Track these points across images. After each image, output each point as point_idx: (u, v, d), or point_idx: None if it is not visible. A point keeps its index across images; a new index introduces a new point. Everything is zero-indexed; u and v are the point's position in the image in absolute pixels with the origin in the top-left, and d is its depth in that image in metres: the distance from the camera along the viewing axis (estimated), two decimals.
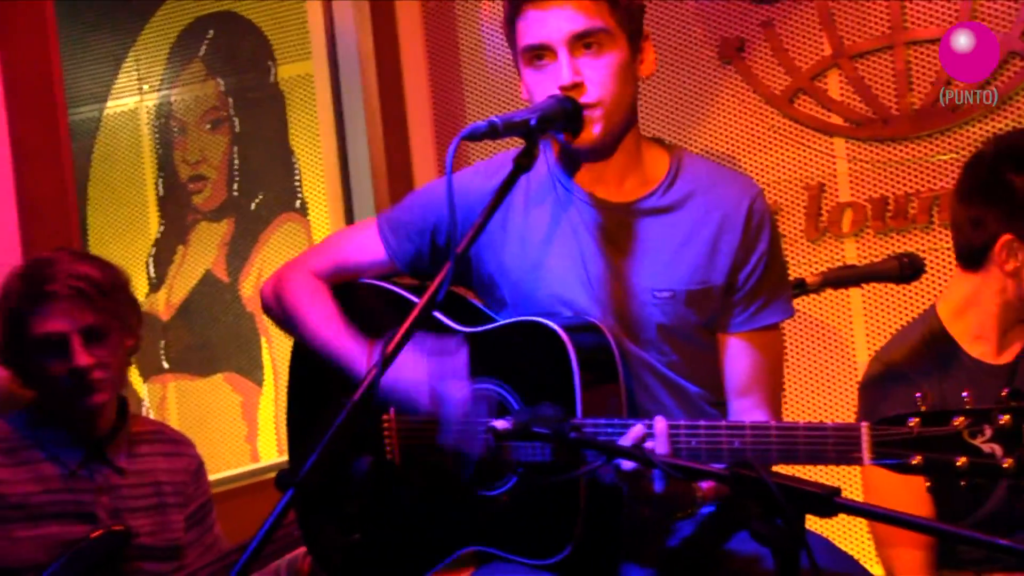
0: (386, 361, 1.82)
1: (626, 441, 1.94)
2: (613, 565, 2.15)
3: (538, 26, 2.13)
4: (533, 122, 2.04)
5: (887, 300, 3.38)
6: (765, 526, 1.69)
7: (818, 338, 3.48)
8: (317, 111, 3.94)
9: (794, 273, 2.84)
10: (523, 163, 2.05)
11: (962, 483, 1.72)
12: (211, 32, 4.21)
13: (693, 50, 3.60)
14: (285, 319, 2.40)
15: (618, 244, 2.21)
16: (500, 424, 1.89)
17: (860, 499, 2.87)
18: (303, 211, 4.11)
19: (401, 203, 2.42)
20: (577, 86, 2.12)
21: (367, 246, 2.37)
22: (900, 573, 2.63)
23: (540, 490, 2.06)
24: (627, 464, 1.89)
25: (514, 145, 2.13)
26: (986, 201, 2.60)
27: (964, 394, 1.71)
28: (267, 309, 2.44)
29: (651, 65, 2.23)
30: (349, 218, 3.89)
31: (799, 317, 3.47)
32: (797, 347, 3.49)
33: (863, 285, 3.27)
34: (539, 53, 2.15)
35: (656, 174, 2.23)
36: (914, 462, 1.73)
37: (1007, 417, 1.67)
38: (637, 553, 2.16)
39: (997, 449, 1.68)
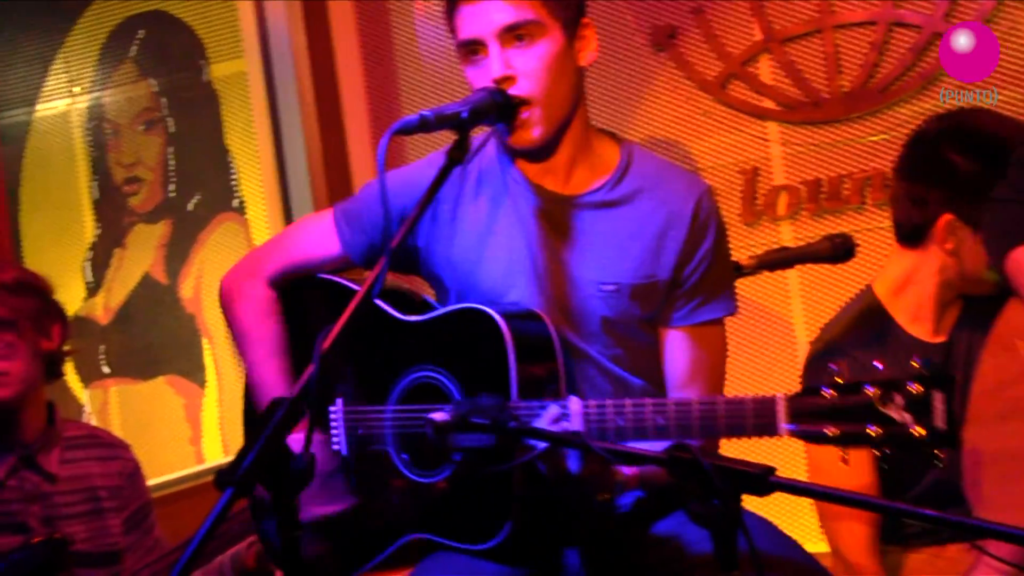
0: (323, 357, 1.82)
1: (542, 422, 1.96)
2: (551, 548, 2.16)
3: (470, 21, 2.14)
4: (464, 115, 2.05)
5: (824, 280, 3.42)
6: (702, 507, 1.72)
7: (758, 320, 3.52)
8: (252, 109, 3.92)
9: (731, 257, 2.86)
10: (456, 156, 2.06)
11: (876, 453, 1.74)
12: (141, 32, 4.16)
13: (625, 39, 3.62)
14: (231, 328, 2.43)
15: (564, 236, 2.22)
16: (438, 416, 1.90)
17: (805, 476, 2.92)
18: (241, 210, 4.09)
19: (356, 195, 2.42)
20: (508, 79, 2.12)
21: (321, 240, 2.37)
22: (844, 547, 2.67)
23: (477, 475, 2.07)
24: (540, 444, 1.91)
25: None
26: (928, 180, 2.63)
27: (877, 364, 1.74)
28: (221, 307, 2.46)
29: (593, 52, 2.23)
30: (287, 216, 3.87)
31: (739, 299, 3.49)
32: (737, 329, 3.51)
33: (799, 266, 3.32)
34: (474, 48, 2.15)
35: (605, 167, 2.24)
36: (829, 432, 1.75)
37: (917, 386, 1.70)
38: (574, 536, 2.18)
39: (908, 418, 1.70)
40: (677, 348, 2.24)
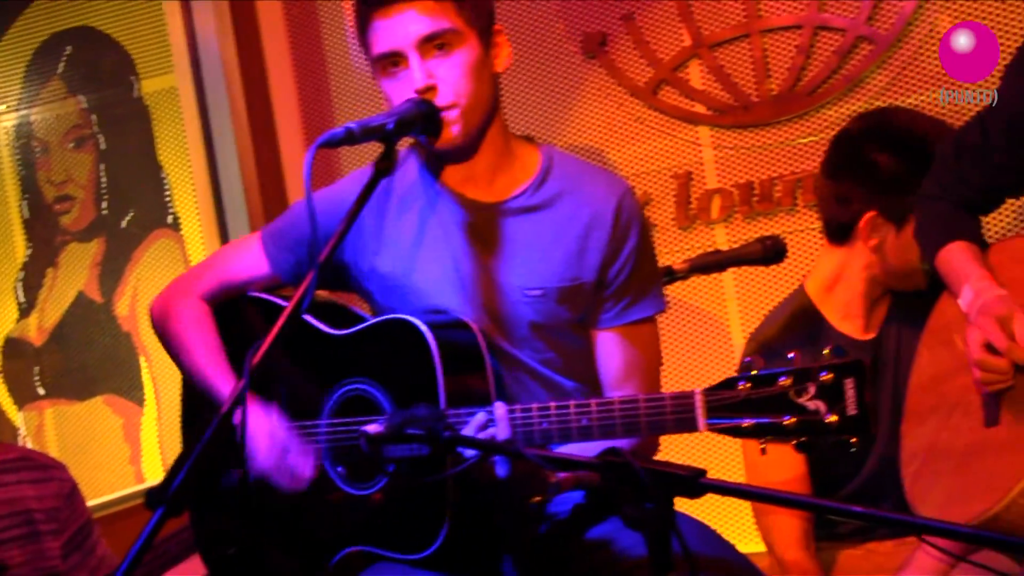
0: (252, 373, 1.82)
1: (469, 430, 1.97)
2: (488, 554, 2.17)
3: (386, 34, 2.14)
4: (390, 126, 2.06)
5: (759, 281, 3.46)
6: (635, 510, 1.73)
7: (694, 322, 3.55)
8: (184, 124, 3.89)
9: (666, 261, 2.89)
10: (383, 168, 2.07)
11: (793, 442, 1.76)
12: (68, 48, 4.11)
13: (556, 46, 3.64)
14: (168, 346, 2.40)
15: (489, 243, 2.23)
16: (372, 428, 1.89)
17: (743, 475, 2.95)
18: (176, 226, 4.05)
19: (283, 215, 2.43)
20: (431, 88, 2.13)
21: (251, 260, 2.38)
22: (778, 543, 2.71)
23: (410, 485, 2.08)
24: (468, 452, 1.92)
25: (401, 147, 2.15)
26: (851, 178, 2.68)
27: (790, 355, 1.76)
28: (154, 327, 2.44)
29: (507, 59, 2.25)
30: (223, 231, 3.85)
31: (674, 303, 3.53)
32: (674, 332, 3.56)
33: (734, 268, 3.35)
34: (392, 60, 2.16)
35: (526, 172, 2.26)
36: (746, 425, 1.78)
37: (829, 375, 1.72)
38: (511, 542, 2.18)
39: (821, 406, 1.73)
40: (609, 349, 2.26)
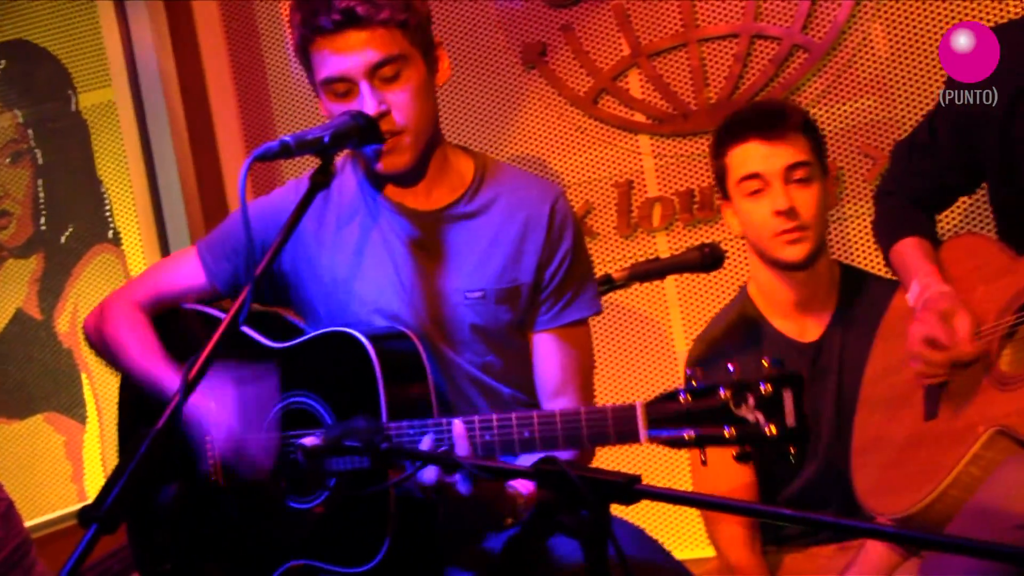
0: (188, 387, 1.81)
1: (424, 445, 1.98)
2: (433, 569, 2.17)
3: (335, 59, 2.15)
4: (327, 139, 2.07)
5: (701, 288, 3.48)
6: (571, 518, 1.74)
7: (637, 329, 3.57)
8: (123, 138, 3.86)
9: (609, 269, 2.92)
10: (319, 181, 2.08)
11: (734, 452, 1.79)
12: (3, 62, 4.06)
13: (496, 57, 3.65)
14: (106, 351, 2.38)
15: (429, 250, 2.26)
16: (309, 441, 1.90)
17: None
18: (116, 241, 4.01)
19: (219, 225, 2.43)
20: (383, 115, 2.16)
21: (187, 271, 2.38)
22: (725, 548, 2.74)
23: (352, 498, 2.08)
24: (427, 477, 1.93)
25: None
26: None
27: (730, 366, 1.79)
28: (89, 342, 2.43)
29: (447, 71, 2.28)
30: (164, 245, 3.81)
31: (618, 310, 3.56)
32: (617, 339, 3.58)
33: (676, 275, 3.38)
34: (340, 86, 2.16)
35: (462, 180, 2.29)
36: (687, 436, 1.80)
37: (768, 386, 1.75)
38: (458, 556, 2.19)
39: (760, 417, 1.75)
40: (547, 351, 2.29)
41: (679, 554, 2.34)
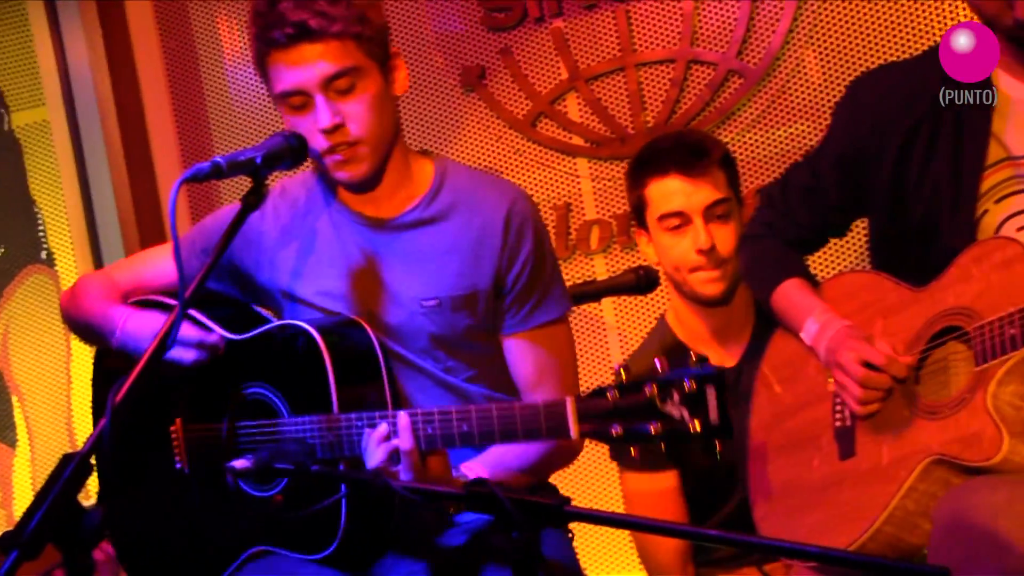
0: (115, 413, 1.80)
1: (371, 440, 2.01)
2: (384, 557, 2.20)
3: (289, 72, 2.16)
4: (259, 160, 2.08)
5: (637, 311, 3.51)
6: (502, 539, 1.75)
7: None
8: (57, 158, 3.82)
9: None
10: (251, 201, 2.09)
11: (662, 445, 1.82)
12: None
13: (436, 79, 3.67)
14: (83, 324, 2.41)
15: (386, 258, 2.27)
16: (239, 463, 1.92)
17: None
18: (50, 262, 3.96)
19: (201, 223, 2.45)
20: (338, 127, 2.16)
21: (165, 265, 2.39)
22: (657, 569, 2.75)
23: (308, 487, 2.12)
24: (373, 461, 1.99)
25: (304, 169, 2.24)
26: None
27: (657, 363, 1.81)
28: (64, 314, 2.46)
29: (405, 81, 2.28)
30: (98, 266, 3.78)
31: None
32: None
33: (614, 298, 3.40)
34: (296, 98, 2.17)
35: (421, 186, 2.29)
36: (615, 432, 1.83)
37: (692, 383, 1.78)
38: (410, 547, 2.21)
39: (685, 413, 1.78)
40: (518, 354, 2.29)
41: (611, 575, 2.36)
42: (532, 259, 2.26)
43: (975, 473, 2.07)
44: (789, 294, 2.42)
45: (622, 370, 1.84)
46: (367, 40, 2.17)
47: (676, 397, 1.78)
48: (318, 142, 2.17)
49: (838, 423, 2.31)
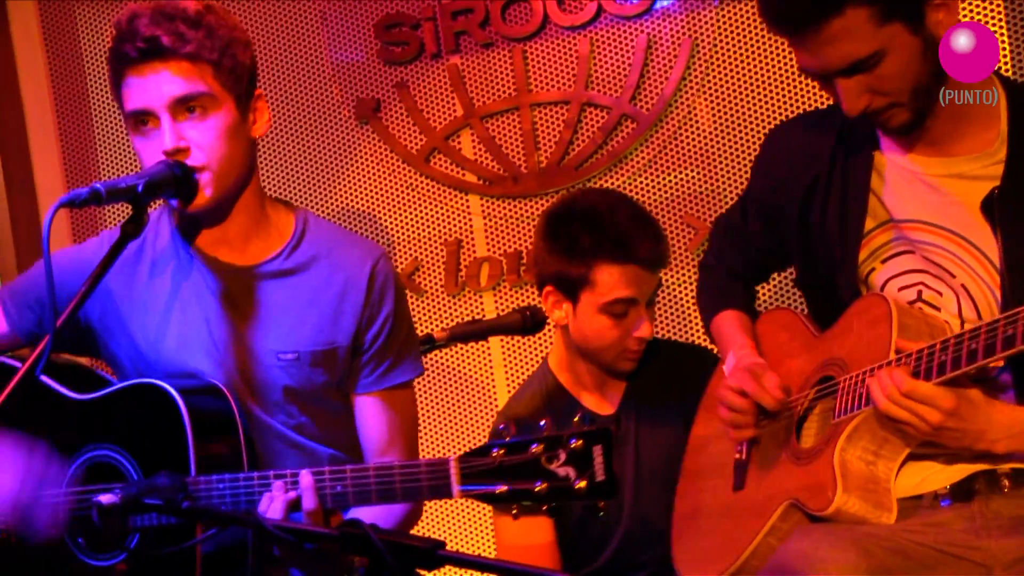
0: None
1: (271, 497, 1.97)
2: None
3: (139, 92, 2.12)
4: (140, 188, 2.04)
5: (525, 349, 3.52)
6: None
7: (461, 389, 3.58)
8: None
9: (436, 326, 2.92)
10: (130, 230, 2.05)
11: (544, 507, 1.82)
12: None
13: (331, 111, 3.65)
14: None
15: (242, 307, 2.22)
16: (106, 498, 1.85)
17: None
18: None
19: (23, 273, 2.37)
20: (181, 151, 2.12)
21: None
22: None
23: (156, 557, 2.04)
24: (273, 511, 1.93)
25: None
26: (535, 254, 2.83)
27: (542, 423, 1.81)
28: None
29: (266, 124, 2.25)
30: None
31: (442, 369, 3.56)
32: (441, 398, 3.58)
33: (503, 336, 3.41)
34: (143, 118, 2.13)
35: (281, 237, 2.26)
36: (499, 491, 1.82)
37: (579, 442, 1.79)
38: None
39: (571, 472, 1.79)
40: (369, 414, 2.28)
41: None
42: (392, 319, 2.26)
43: (817, 520, 2.17)
44: (722, 325, 2.52)
45: (509, 425, 1.84)
46: (225, 71, 2.14)
47: (563, 456, 1.79)
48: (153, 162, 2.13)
49: (737, 455, 2.41)
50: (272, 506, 1.97)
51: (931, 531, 2.13)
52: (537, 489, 1.79)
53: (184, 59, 2.10)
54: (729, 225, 2.57)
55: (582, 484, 1.78)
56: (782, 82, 3.29)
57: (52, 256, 2.30)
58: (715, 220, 2.68)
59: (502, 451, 1.82)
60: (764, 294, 3.24)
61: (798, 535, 2.17)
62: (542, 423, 1.83)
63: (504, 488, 1.81)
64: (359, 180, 3.65)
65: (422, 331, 2.85)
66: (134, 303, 2.25)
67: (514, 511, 1.84)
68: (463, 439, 3.57)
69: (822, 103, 3.10)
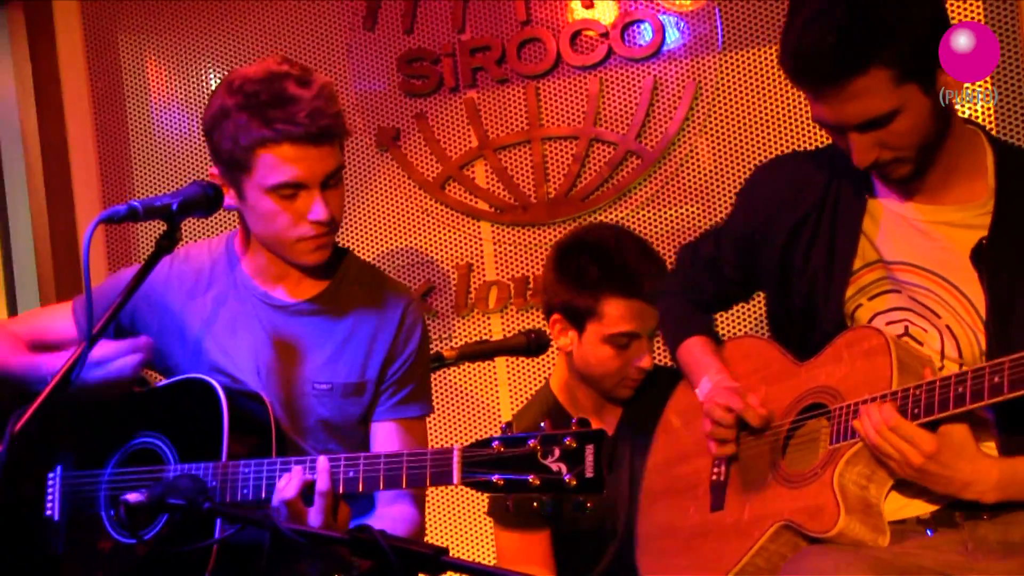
0: (12, 440, 1.90)
1: (289, 477, 2.12)
2: None
3: (292, 164, 2.25)
4: (175, 207, 2.17)
5: (529, 370, 3.66)
6: None
7: (466, 407, 3.72)
8: None
9: (446, 345, 3.07)
10: (164, 245, 2.18)
11: (534, 504, 1.96)
12: None
13: (353, 138, 3.78)
14: None
15: (287, 340, 2.40)
16: (133, 497, 1.99)
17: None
18: None
19: (98, 286, 2.52)
20: (332, 219, 2.31)
21: (62, 324, 2.49)
22: None
23: (178, 535, 2.20)
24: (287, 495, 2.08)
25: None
26: (545, 283, 2.94)
27: (542, 424, 1.96)
28: None
29: None
30: (11, 303, 3.77)
31: (448, 387, 3.71)
32: (447, 417, 3.72)
33: (507, 357, 3.55)
34: (289, 190, 2.28)
35: (328, 275, 2.44)
36: (496, 480, 1.97)
37: (572, 440, 1.93)
38: None
39: (563, 467, 1.93)
40: (384, 438, 2.43)
41: None
42: (414, 356, 2.44)
43: (816, 541, 2.22)
44: (691, 351, 2.55)
45: (509, 425, 2.00)
46: (343, 140, 2.36)
47: (556, 452, 1.93)
48: (301, 230, 2.29)
49: (714, 476, 2.45)
50: (288, 484, 2.12)
51: (929, 554, 2.16)
52: (530, 480, 1.93)
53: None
54: (698, 255, 2.59)
55: (572, 480, 1.92)
56: (779, 125, 3.43)
57: (120, 274, 2.53)
58: (681, 248, 2.71)
59: (501, 444, 1.97)
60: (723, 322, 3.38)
61: (809, 554, 2.19)
62: (542, 424, 1.97)
63: (500, 478, 1.95)
64: (378, 205, 3.80)
65: (432, 349, 2.99)
66: (185, 318, 2.43)
67: (510, 505, 1.98)
68: None
69: (818, 145, 3.19)
